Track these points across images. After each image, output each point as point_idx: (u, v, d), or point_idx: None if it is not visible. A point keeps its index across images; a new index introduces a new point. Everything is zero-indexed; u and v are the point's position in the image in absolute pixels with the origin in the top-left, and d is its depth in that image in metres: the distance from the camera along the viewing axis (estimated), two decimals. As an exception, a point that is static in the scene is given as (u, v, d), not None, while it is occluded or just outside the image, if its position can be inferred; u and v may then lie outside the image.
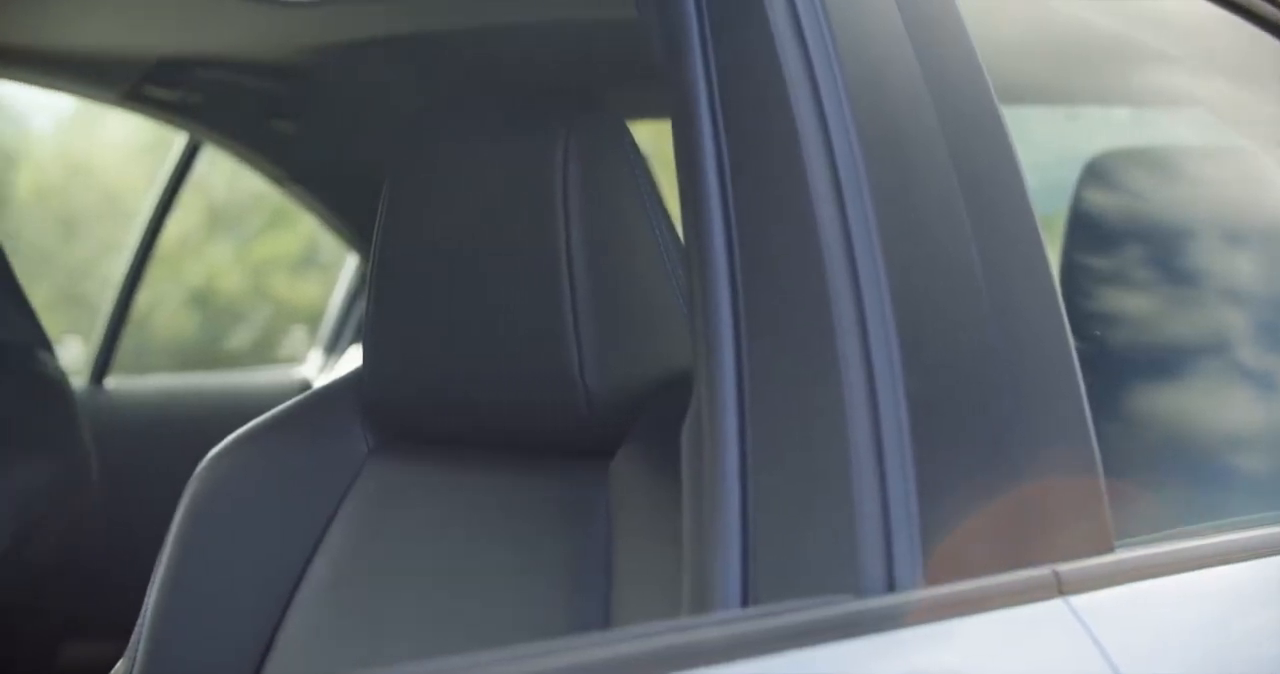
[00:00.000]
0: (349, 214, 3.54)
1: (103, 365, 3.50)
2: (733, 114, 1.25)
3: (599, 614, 1.50)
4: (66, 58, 2.81)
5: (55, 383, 2.35)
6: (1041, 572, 1.26)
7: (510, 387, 1.60)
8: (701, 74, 1.26)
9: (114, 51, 2.78)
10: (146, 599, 1.74)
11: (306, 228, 8.07)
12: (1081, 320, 1.44)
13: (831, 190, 1.23)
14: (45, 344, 2.43)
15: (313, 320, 5.58)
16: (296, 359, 4.07)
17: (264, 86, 2.95)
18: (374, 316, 1.69)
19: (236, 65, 2.87)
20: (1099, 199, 2.00)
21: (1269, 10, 1.92)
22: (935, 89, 1.33)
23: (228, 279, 8.87)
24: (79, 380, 3.42)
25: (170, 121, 3.20)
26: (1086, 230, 2.01)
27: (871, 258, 1.22)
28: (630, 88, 2.86)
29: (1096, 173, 2.10)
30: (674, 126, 1.28)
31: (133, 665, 1.72)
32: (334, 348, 3.93)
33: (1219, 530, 1.56)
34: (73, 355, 3.47)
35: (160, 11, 2.54)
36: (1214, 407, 1.82)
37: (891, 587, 1.17)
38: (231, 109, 3.07)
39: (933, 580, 1.19)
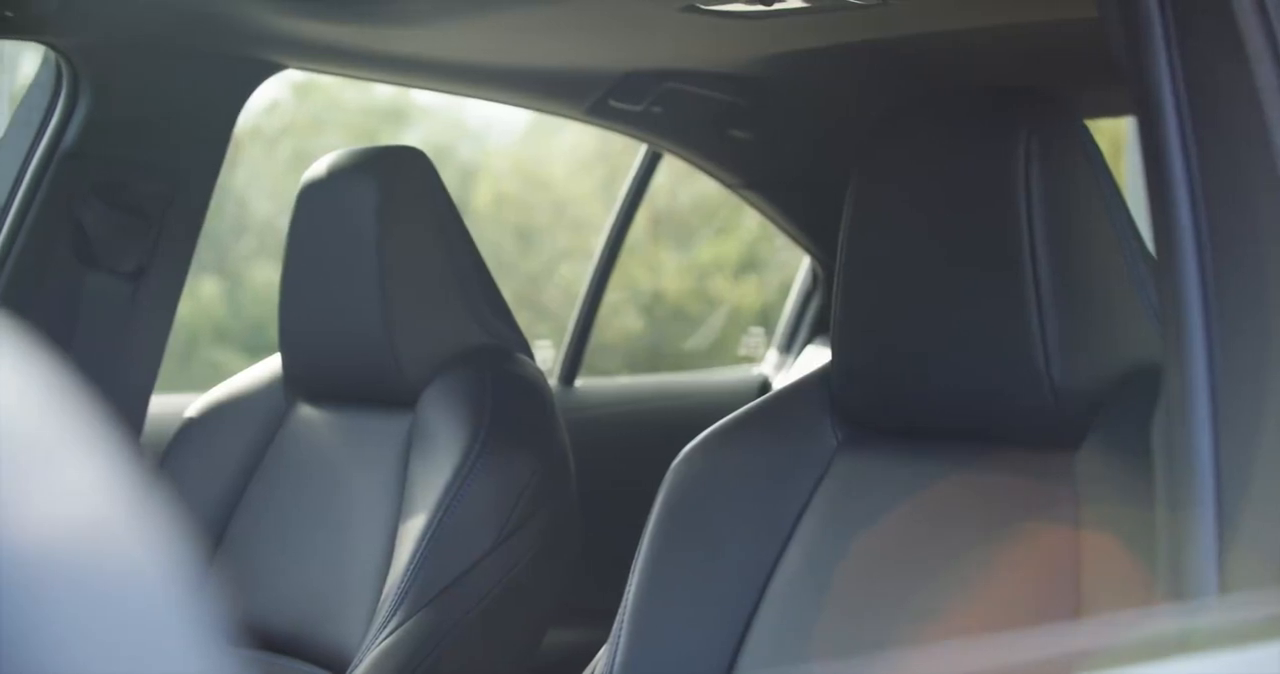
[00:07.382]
0: (802, 217, 3.58)
1: (572, 367, 3.63)
2: (1199, 110, 1.25)
3: (1068, 604, 1.51)
4: (540, 76, 2.92)
5: (536, 385, 2.45)
6: None
7: (976, 381, 1.62)
8: (1166, 71, 1.27)
9: (584, 69, 2.89)
10: (627, 589, 1.81)
11: (747, 234, 8.18)
12: None
13: None
14: (524, 348, 2.53)
15: (755, 321, 5.64)
16: (754, 358, 4.14)
17: (721, 96, 3.01)
18: (841, 315, 1.73)
19: (695, 77, 2.94)
20: None
21: None
22: None
23: (673, 283, 9.04)
24: (551, 382, 3.55)
25: (631, 133, 3.29)
26: None
27: None
28: (1085, 87, 2.83)
29: None
30: (1139, 125, 1.29)
31: (615, 651, 1.79)
32: (789, 347, 3.99)
33: None
34: (543, 358, 3.60)
35: (626, 29, 2.63)
36: None
37: None
38: (690, 119, 3.14)
39: None
